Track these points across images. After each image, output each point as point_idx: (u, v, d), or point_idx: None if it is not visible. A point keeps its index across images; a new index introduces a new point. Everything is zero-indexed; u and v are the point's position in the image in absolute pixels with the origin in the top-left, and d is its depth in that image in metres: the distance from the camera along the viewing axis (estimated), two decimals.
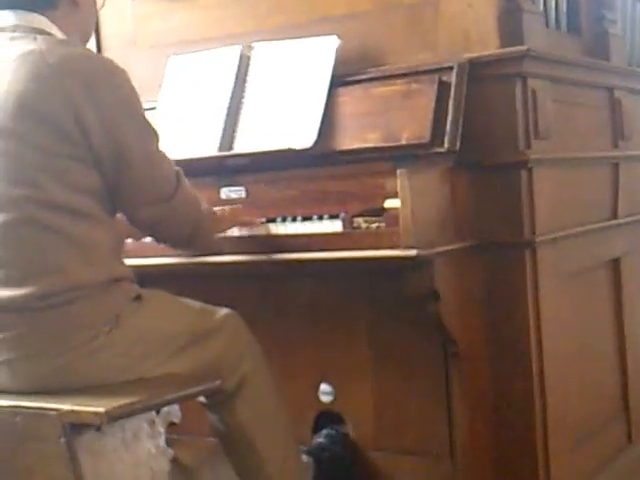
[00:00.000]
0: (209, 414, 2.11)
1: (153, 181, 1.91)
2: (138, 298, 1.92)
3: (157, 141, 1.94)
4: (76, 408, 1.66)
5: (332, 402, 2.43)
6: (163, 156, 1.96)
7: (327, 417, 2.44)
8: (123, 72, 1.89)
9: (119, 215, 2.02)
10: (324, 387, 2.43)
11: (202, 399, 2.07)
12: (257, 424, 2.07)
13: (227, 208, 2.20)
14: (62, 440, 1.65)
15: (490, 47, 2.21)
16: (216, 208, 2.15)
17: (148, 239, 2.28)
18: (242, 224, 2.20)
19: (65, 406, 1.66)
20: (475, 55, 2.19)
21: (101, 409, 1.64)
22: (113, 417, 1.66)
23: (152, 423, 1.78)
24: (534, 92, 2.21)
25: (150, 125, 1.93)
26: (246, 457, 2.09)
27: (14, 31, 1.90)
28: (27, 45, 1.84)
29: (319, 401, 2.44)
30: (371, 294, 2.34)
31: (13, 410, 1.71)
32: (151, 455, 1.77)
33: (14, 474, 1.73)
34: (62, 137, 1.79)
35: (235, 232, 2.22)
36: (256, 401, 2.08)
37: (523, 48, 2.16)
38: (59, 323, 1.78)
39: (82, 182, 1.82)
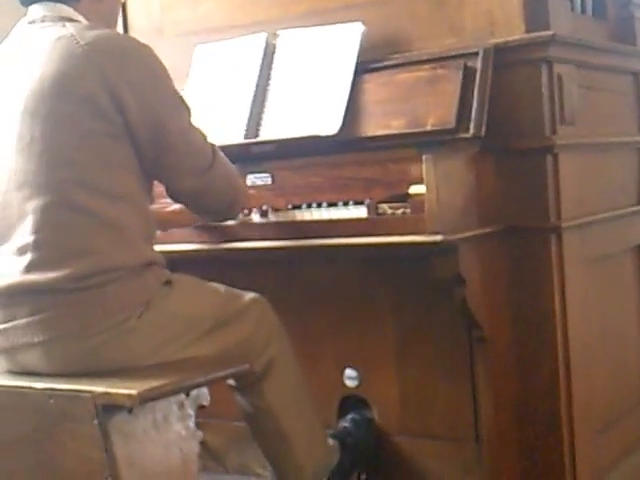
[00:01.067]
0: (237, 397, 2.14)
1: (190, 154, 1.96)
2: (168, 283, 1.94)
3: (189, 115, 1.98)
4: (109, 390, 1.68)
5: (357, 387, 2.44)
6: (196, 129, 2.00)
7: (352, 401, 2.45)
8: (149, 48, 1.93)
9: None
10: (349, 372, 2.44)
11: (231, 382, 2.10)
12: (284, 407, 2.11)
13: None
14: (95, 421, 1.67)
15: (516, 32, 2.21)
16: None
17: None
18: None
19: (98, 388, 1.69)
20: (501, 40, 2.19)
21: (133, 391, 1.66)
22: (144, 399, 1.68)
23: (182, 405, 1.80)
24: (560, 77, 2.21)
25: (181, 99, 1.98)
26: (273, 439, 2.13)
27: (43, 21, 1.94)
28: (58, 31, 1.89)
29: (344, 386, 2.45)
30: (396, 280, 2.35)
31: (48, 392, 1.74)
32: (181, 437, 1.79)
33: (49, 454, 1.75)
34: (98, 115, 1.82)
35: (261, 218, 2.24)
36: (283, 384, 2.11)
37: (549, 33, 2.16)
38: (92, 305, 1.81)
39: (119, 160, 1.86)
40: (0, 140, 1.88)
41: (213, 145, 2.03)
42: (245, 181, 2.26)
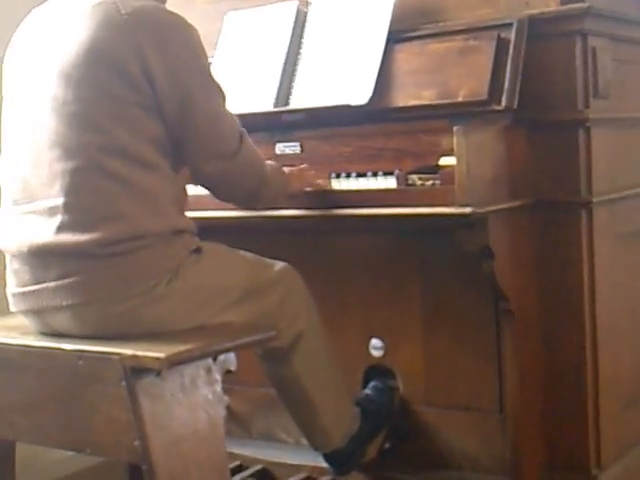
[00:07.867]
0: (265, 365, 2.16)
1: (216, 136, 1.93)
2: (198, 250, 1.94)
3: (223, 99, 1.96)
4: (137, 353, 1.70)
5: (382, 357, 2.45)
6: (227, 113, 1.97)
7: (377, 371, 2.46)
8: (193, 29, 1.91)
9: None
10: (375, 342, 2.45)
11: (259, 352, 2.12)
12: (312, 376, 2.13)
13: (295, 169, 2.20)
14: (123, 383, 1.69)
15: (551, 4, 2.18)
16: (285, 169, 2.15)
17: (204, 191, 2.32)
18: (309, 184, 2.20)
19: (127, 351, 1.71)
20: (535, 12, 2.16)
21: (161, 354, 1.68)
22: (172, 362, 1.69)
23: (209, 370, 1.81)
24: (594, 50, 2.19)
25: (216, 83, 1.95)
26: (301, 405, 2.16)
27: None
28: None
29: (369, 355, 2.46)
30: (424, 251, 2.35)
31: (77, 354, 1.76)
32: (208, 401, 1.80)
33: (78, 414, 1.78)
34: (130, 84, 1.81)
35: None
36: (311, 356, 2.13)
37: (584, 5, 2.13)
38: (121, 271, 1.81)
39: (148, 131, 1.85)
40: (36, 100, 1.88)
41: (242, 132, 2.00)
42: (283, 171, 2.15)
